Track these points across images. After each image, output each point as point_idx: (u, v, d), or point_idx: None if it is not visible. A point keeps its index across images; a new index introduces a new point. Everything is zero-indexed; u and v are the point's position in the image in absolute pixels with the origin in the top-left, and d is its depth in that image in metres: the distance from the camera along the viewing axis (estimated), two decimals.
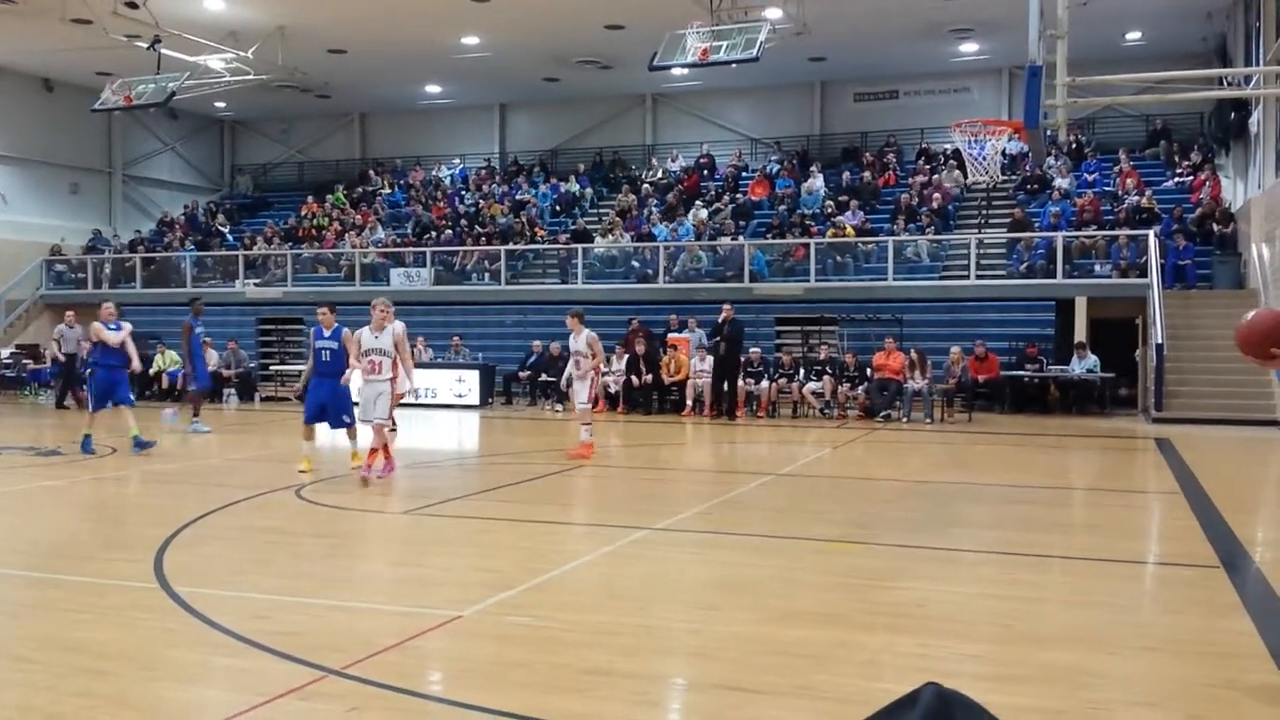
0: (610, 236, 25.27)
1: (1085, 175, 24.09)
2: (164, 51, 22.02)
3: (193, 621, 5.72)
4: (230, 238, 29.27)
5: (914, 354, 18.59)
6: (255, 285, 26.03)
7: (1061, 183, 23.63)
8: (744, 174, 27.62)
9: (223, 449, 15.41)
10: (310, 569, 7.09)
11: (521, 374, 21.35)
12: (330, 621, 5.80)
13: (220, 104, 30.77)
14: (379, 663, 4.98)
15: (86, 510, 9.83)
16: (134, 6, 20.47)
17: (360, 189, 30.95)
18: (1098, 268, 20.77)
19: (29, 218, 28.50)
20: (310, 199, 30.55)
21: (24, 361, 24.85)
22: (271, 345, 25.52)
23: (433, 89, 30.09)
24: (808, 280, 22.10)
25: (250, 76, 23.75)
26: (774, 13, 20.26)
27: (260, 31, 22.99)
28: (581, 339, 13.01)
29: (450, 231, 26.83)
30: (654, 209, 25.89)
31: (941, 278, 21.88)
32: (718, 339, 18.86)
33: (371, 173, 31.67)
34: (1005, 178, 23.09)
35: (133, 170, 32.01)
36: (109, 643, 5.48)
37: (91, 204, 30.74)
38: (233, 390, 22.65)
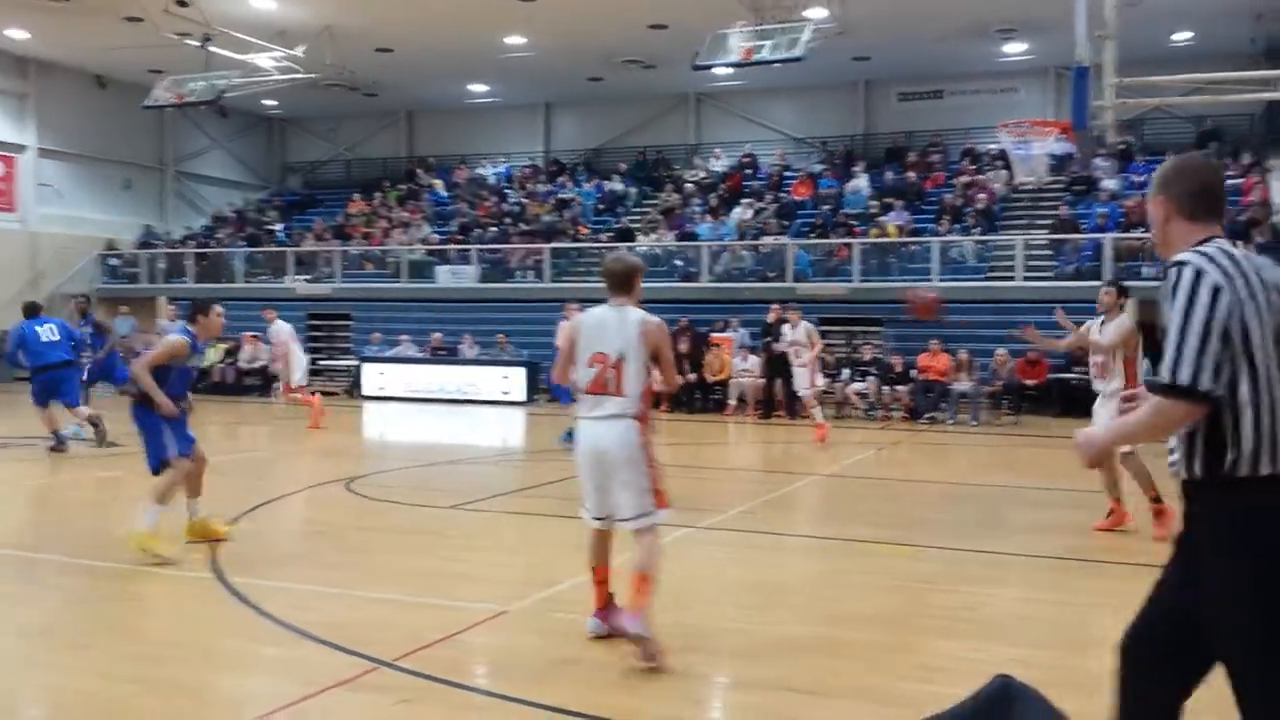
0: (653, 235, 25.28)
1: (1133, 177, 23.77)
2: (214, 50, 22.28)
3: (246, 611, 5.81)
4: (280, 234, 29.61)
5: (960, 355, 18.46)
6: (305, 281, 26.33)
7: (1109, 184, 23.34)
8: (787, 174, 27.53)
9: (272, 442, 15.61)
10: (360, 562, 7.17)
11: None
12: (379, 614, 5.87)
13: (270, 102, 31.09)
14: (427, 656, 5.04)
15: (140, 501, 9.99)
16: (185, 5, 20.73)
17: (407, 186, 31.19)
18: (1146, 270, 20.50)
19: (83, 213, 28.98)
20: (358, 196, 30.83)
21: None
22: (320, 341, 25.81)
23: (478, 88, 30.24)
24: (851, 280, 21.98)
25: (299, 75, 23.97)
26: (818, 12, 20.16)
27: (309, 30, 23.21)
28: (800, 330, 14.94)
29: (495, 229, 26.98)
30: (697, 208, 25.88)
31: (987, 279, 21.68)
32: (768, 339, 18.82)
33: (420, 171, 31.89)
34: (1052, 178, 22.84)
35: (184, 167, 32.44)
36: (164, 631, 5.59)
37: (143, 200, 31.19)
38: (282, 384, 22.95)
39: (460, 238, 26.96)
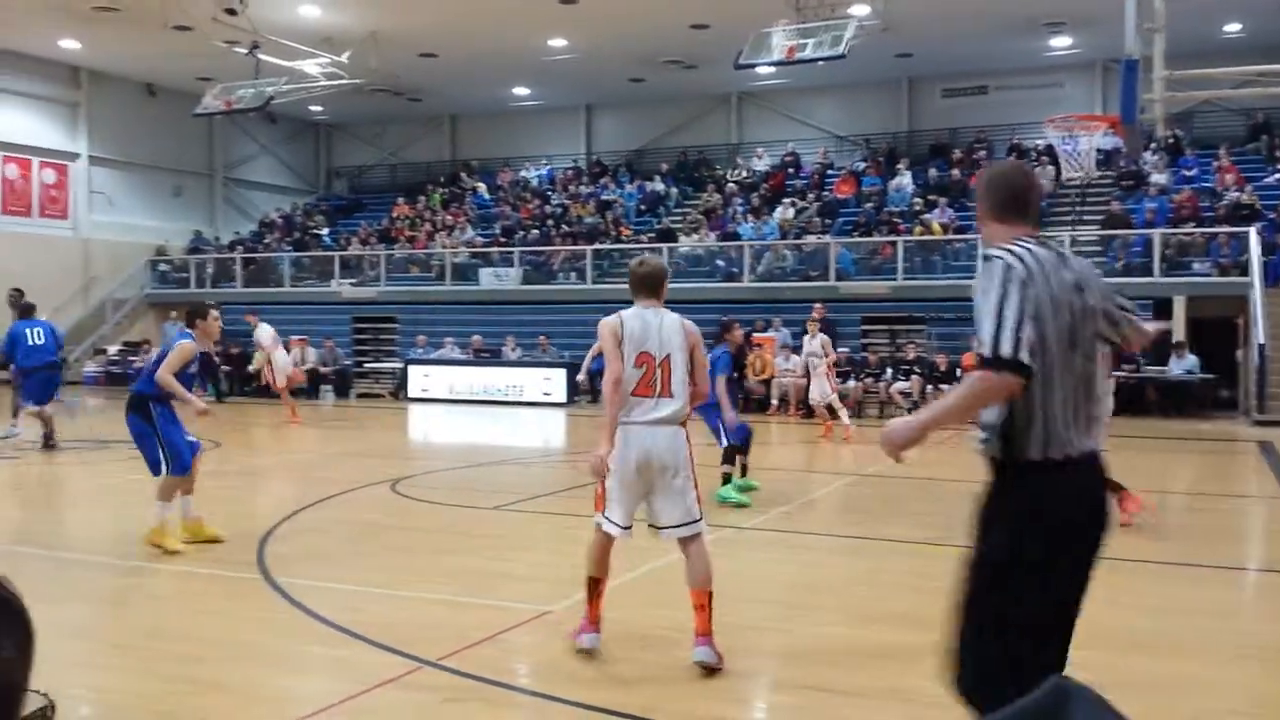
0: (695, 236, 25.29)
1: (1183, 171, 23.42)
2: (262, 57, 22.60)
3: (292, 611, 5.90)
4: (326, 239, 29.97)
5: None
6: (351, 285, 26.62)
7: (1158, 178, 23.01)
8: (830, 172, 27.43)
9: (319, 444, 15.80)
10: (404, 562, 7.25)
11: None
12: (424, 614, 5.94)
13: (316, 108, 31.47)
14: (472, 655, 5.09)
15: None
16: (233, 13, 21.05)
17: (450, 190, 31.44)
18: (1197, 265, 20.20)
19: (134, 219, 29.51)
20: (402, 200, 31.12)
21: (130, 359, 25.74)
22: (366, 343, 26.09)
23: (521, 91, 30.42)
24: (895, 279, 21.85)
25: (345, 81, 24.26)
26: (861, 9, 20.08)
27: (354, 37, 23.48)
28: (817, 341, 15.54)
29: (537, 231, 27.12)
30: (739, 208, 25.86)
31: None
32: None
33: (464, 174, 32.14)
34: (1100, 174, 22.56)
35: (233, 173, 32.93)
36: (210, 630, 5.67)
37: (193, 206, 31.71)
38: (330, 387, 23.28)
39: (503, 240, 27.13)
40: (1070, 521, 3.04)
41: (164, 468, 7.52)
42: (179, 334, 7.94)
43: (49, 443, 13.25)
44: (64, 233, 27.95)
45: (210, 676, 4.89)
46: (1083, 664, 4.96)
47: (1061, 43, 24.84)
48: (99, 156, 28.72)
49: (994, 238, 3.23)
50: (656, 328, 5.09)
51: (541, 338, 22.51)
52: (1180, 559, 7.40)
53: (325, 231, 30.43)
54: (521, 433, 17.88)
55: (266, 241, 30.26)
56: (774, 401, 19.54)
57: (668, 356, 5.03)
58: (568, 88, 29.47)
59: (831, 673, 4.88)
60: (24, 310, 14.03)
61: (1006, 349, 2.92)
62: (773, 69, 22.60)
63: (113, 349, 26.77)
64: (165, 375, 7.45)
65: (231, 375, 23.37)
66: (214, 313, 7.90)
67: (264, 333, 18.53)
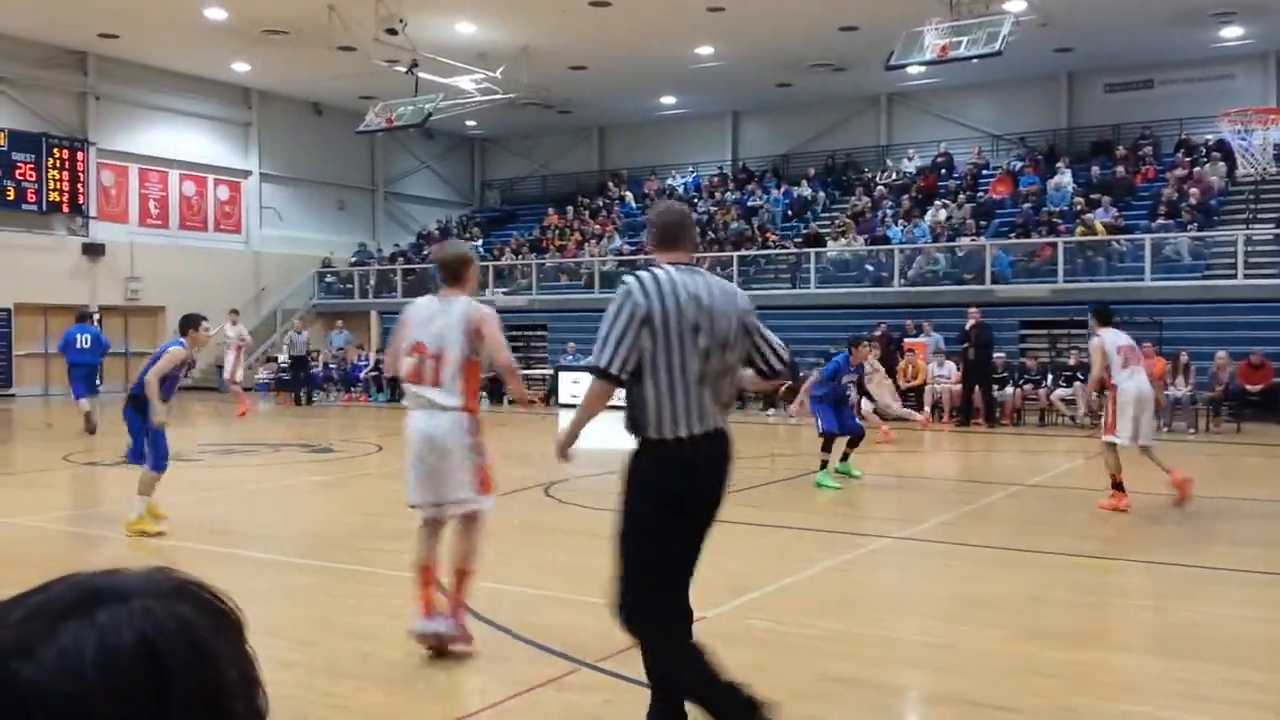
0: (843, 240, 25.01)
1: None
2: (420, 75, 23.40)
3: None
4: (480, 249, 30.78)
5: (1181, 358, 17.51)
6: (503, 294, 27.28)
7: None
8: (984, 172, 26.72)
9: None
10: (561, 564, 7.40)
11: None
12: (582, 616, 6.04)
13: (471, 123, 32.36)
14: (629, 658, 5.14)
15: (355, 503, 10.59)
16: (394, 33, 21.84)
17: (599, 200, 31.88)
18: None
19: (301, 232, 30.92)
20: (553, 210, 31.71)
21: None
22: (518, 350, 26.65)
23: (668, 100, 30.64)
24: (1055, 281, 21.14)
25: (498, 96, 24.89)
26: (1017, 4, 19.54)
27: (507, 52, 24.07)
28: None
29: None
30: (888, 211, 25.44)
31: (1204, 277, 20.47)
32: (965, 345, 18.35)
33: (611, 183, 32.56)
34: (1276, 170, 21.36)
35: (393, 187, 34.17)
36: (378, 628, 5.90)
37: (357, 219, 33.03)
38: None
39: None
40: (679, 484, 3.76)
41: (146, 462, 8.15)
42: (172, 340, 8.50)
43: (88, 428, 15.06)
44: (236, 246, 29.48)
45: (379, 673, 5.10)
46: (1261, 685, 4.75)
47: (1232, 33, 23.64)
48: (269, 173, 30.19)
49: (660, 262, 3.90)
50: (441, 317, 5.10)
51: None
52: None
53: (479, 242, 31.23)
54: None
55: (425, 253, 31.24)
56: (926, 408, 19.14)
57: (441, 349, 5.04)
58: (714, 95, 29.53)
59: (990, 689, 4.78)
60: (79, 318, 16.46)
61: (602, 361, 3.69)
62: (923, 68, 22.17)
63: (282, 357, 28.04)
64: (152, 377, 8.00)
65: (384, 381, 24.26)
66: (205, 323, 8.55)
67: (242, 331, 20.10)
